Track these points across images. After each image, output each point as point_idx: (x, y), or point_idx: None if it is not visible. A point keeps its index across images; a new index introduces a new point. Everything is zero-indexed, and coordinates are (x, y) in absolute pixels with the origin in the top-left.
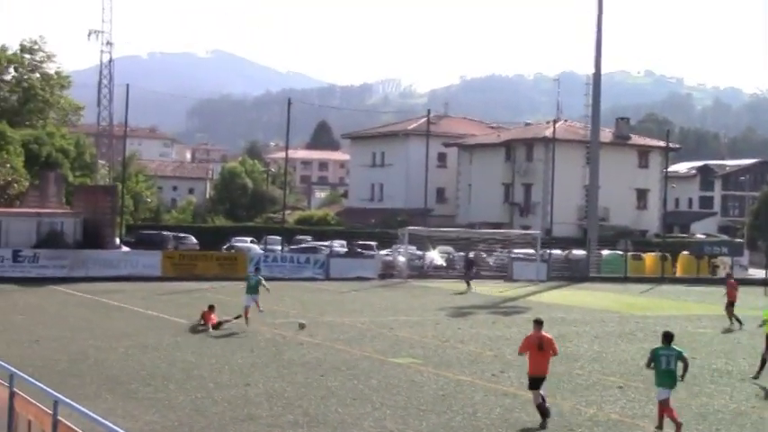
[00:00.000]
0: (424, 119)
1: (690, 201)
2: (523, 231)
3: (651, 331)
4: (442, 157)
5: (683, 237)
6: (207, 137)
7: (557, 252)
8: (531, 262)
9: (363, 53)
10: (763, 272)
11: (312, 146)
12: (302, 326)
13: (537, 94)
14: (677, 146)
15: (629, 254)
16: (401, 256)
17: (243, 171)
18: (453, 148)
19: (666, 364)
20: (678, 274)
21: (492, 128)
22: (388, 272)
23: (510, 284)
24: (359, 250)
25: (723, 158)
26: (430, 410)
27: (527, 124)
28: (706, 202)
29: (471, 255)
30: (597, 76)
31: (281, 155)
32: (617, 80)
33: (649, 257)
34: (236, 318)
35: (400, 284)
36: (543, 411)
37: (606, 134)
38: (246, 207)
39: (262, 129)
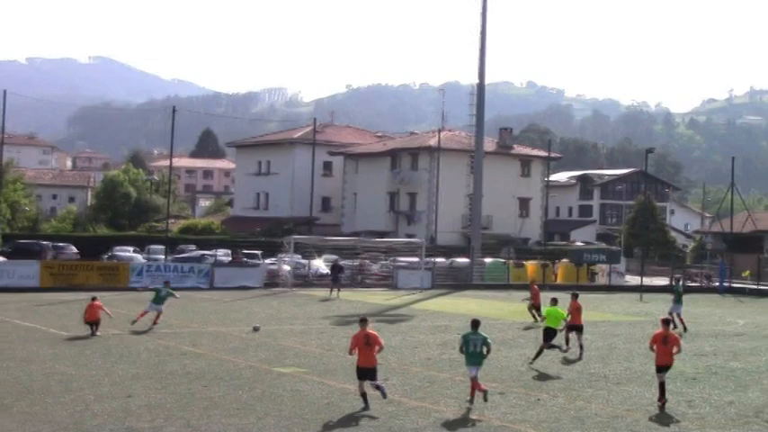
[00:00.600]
0: (310, 127)
1: (570, 209)
2: (408, 240)
3: (532, 338)
4: (327, 166)
5: (564, 244)
6: (88, 145)
7: (441, 260)
8: (415, 270)
9: (249, 61)
10: (639, 278)
11: (197, 154)
12: (257, 329)
13: (422, 103)
14: (558, 155)
15: (512, 261)
16: (286, 265)
17: (126, 179)
18: (339, 157)
19: (474, 347)
20: (558, 281)
21: (377, 137)
22: (272, 281)
23: (395, 292)
24: (244, 259)
25: (601, 168)
26: (314, 419)
27: (412, 133)
28: (585, 210)
29: (340, 262)
30: (481, 86)
31: (165, 163)
32: (500, 91)
33: (531, 265)
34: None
35: (285, 293)
36: (366, 400)
37: (490, 144)
38: (129, 216)
39: (145, 137)
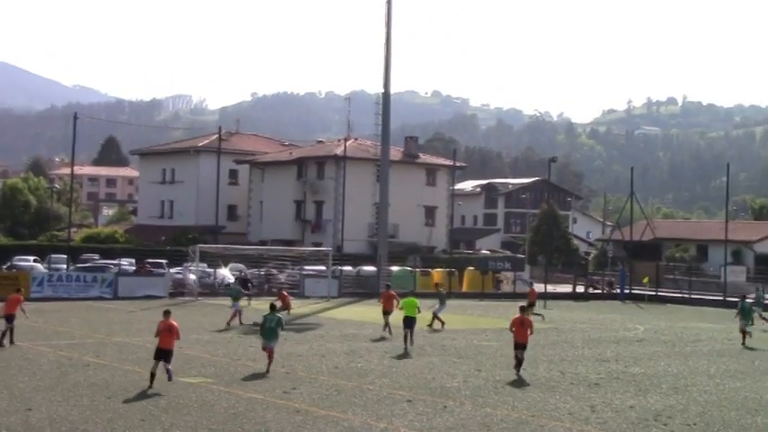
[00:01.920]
0: (216, 135)
1: (475, 218)
2: (315, 248)
3: (439, 345)
4: (233, 175)
5: (469, 252)
6: None
7: (348, 268)
8: (322, 278)
9: (153, 68)
10: (543, 285)
11: (99, 162)
12: (257, 324)
13: (328, 112)
14: (463, 164)
15: (418, 270)
16: (192, 274)
17: (26, 187)
18: (245, 166)
19: (269, 323)
20: (464, 289)
21: (284, 145)
22: (178, 290)
23: (302, 301)
24: (149, 269)
25: (506, 177)
26: (221, 430)
27: (318, 142)
28: (490, 218)
29: (244, 274)
30: (386, 95)
31: (67, 171)
32: (405, 99)
33: (437, 273)
34: None
35: (191, 303)
36: (153, 378)
37: (396, 152)
38: (30, 225)
39: (46, 144)
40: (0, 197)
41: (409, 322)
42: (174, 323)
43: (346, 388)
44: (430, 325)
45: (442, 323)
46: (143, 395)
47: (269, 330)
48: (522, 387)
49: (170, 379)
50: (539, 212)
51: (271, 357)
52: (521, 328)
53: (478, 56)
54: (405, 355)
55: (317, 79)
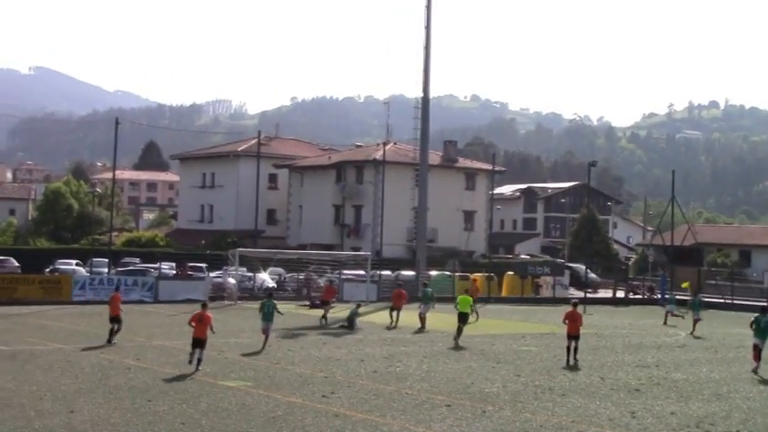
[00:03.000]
0: (255, 140)
1: (514, 222)
2: (354, 253)
3: (478, 350)
4: (272, 179)
5: (508, 257)
6: (29, 156)
7: (386, 273)
8: (361, 283)
9: (193, 73)
10: (582, 291)
11: (140, 166)
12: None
13: (367, 116)
14: (502, 169)
15: (457, 274)
16: (231, 277)
17: (68, 191)
18: (284, 170)
19: (267, 309)
20: (503, 294)
21: (323, 150)
22: (218, 294)
23: (341, 305)
24: (189, 272)
25: (545, 181)
26: None
27: (357, 146)
28: (529, 223)
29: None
30: (425, 99)
31: (108, 175)
32: (445, 104)
33: (476, 277)
34: None
35: (231, 307)
36: (191, 359)
37: (434, 157)
38: (71, 229)
39: (88, 149)
40: (43, 201)
41: (463, 317)
42: (208, 314)
43: (385, 392)
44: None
45: (422, 324)
46: (183, 399)
47: (267, 314)
48: (561, 393)
49: (198, 368)
50: (578, 217)
51: (267, 337)
52: (573, 323)
53: (517, 60)
54: (456, 347)
55: (356, 83)
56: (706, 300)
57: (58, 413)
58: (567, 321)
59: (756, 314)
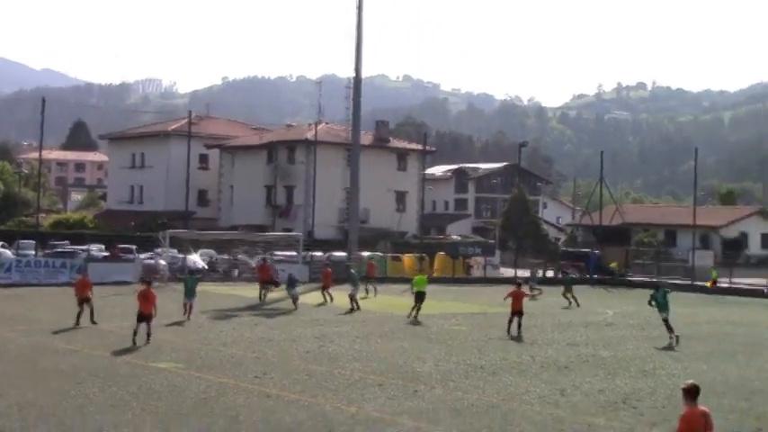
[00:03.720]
0: (186, 120)
1: (446, 203)
2: (285, 234)
3: (410, 331)
4: (203, 159)
5: (440, 238)
6: None
7: (318, 254)
8: (293, 264)
9: (122, 51)
10: (513, 271)
11: (68, 146)
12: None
13: (299, 96)
14: (433, 149)
15: (389, 255)
16: (162, 259)
17: None
18: (215, 150)
19: (190, 284)
20: (435, 275)
21: (254, 129)
22: (148, 276)
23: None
24: (119, 254)
25: (476, 162)
26: (191, 415)
27: (289, 126)
28: (461, 203)
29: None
30: (357, 79)
31: (35, 155)
32: (377, 84)
33: (408, 258)
34: None
35: (162, 288)
36: (135, 335)
37: (366, 137)
38: None
39: (14, 128)
40: None
41: (420, 296)
42: (152, 291)
43: (317, 372)
44: (352, 309)
45: (355, 305)
46: (113, 381)
47: (189, 290)
48: (492, 371)
49: (148, 341)
50: (509, 197)
51: (191, 311)
52: (517, 299)
53: (449, 40)
54: (415, 323)
55: (288, 63)
56: (631, 279)
57: None
58: (510, 298)
59: (652, 291)
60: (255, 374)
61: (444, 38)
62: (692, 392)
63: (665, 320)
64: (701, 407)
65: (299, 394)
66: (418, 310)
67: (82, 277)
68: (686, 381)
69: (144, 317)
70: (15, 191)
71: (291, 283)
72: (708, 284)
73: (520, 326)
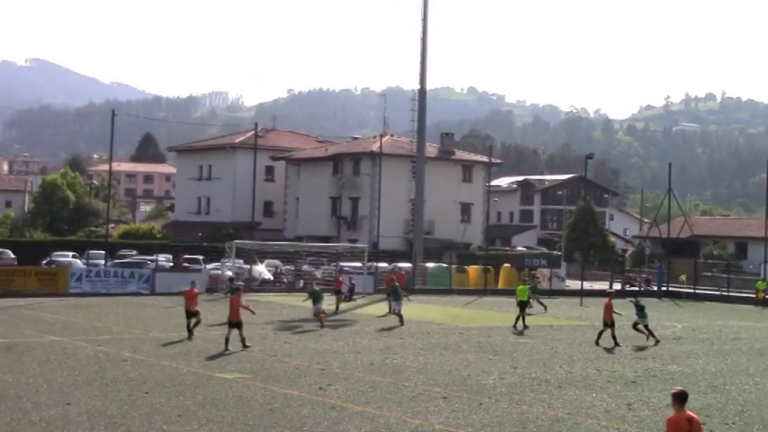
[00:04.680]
0: (252, 132)
1: (511, 214)
2: (350, 245)
3: (475, 342)
4: (269, 171)
5: (505, 249)
6: (26, 148)
7: (383, 265)
8: (358, 275)
9: (190, 65)
10: (579, 283)
11: (137, 158)
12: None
13: (364, 108)
14: (499, 161)
15: (454, 266)
16: (228, 270)
17: (64, 183)
18: (281, 162)
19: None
20: (500, 286)
21: (320, 142)
22: (215, 286)
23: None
24: (185, 264)
25: (542, 174)
26: (257, 425)
27: (354, 138)
28: (526, 215)
29: (352, 280)
30: (422, 91)
31: (105, 167)
32: (441, 96)
33: (473, 270)
34: None
35: (228, 299)
36: (227, 342)
37: (431, 149)
38: (68, 221)
39: (85, 140)
40: (39, 193)
41: (523, 305)
42: (238, 298)
43: (381, 384)
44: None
45: (401, 319)
46: (180, 391)
47: (318, 296)
48: (557, 385)
49: (244, 347)
50: (575, 209)
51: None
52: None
53: (515, 52)
54: (519, 332)
55: (353, 76)
56: (700, 292)
57: (55, 405)
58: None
59: (632, 300)
60: (320, 386)
61: (510, 50)
62: (680, 398)
63: (646, 327)
64: (689, 412)
65: (363, 406)
66: (521, 319)
67: (189, 289)
68: (675, 387)
69: (233, 324)
70: (86, 202)
71: (316, 297)
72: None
73: (614, 337)
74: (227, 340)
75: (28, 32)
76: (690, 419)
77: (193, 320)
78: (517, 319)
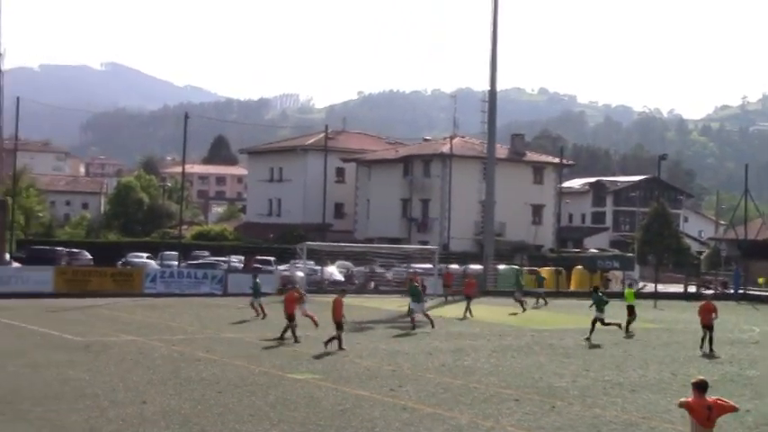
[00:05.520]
0: (323, 134)
1: (583, 216)
2: (421, 246)
3: (547, 344)
4: (340, 173)
5: (577, 251)
6: (101, 151)
7: (454, 267)
8: (428, 277)
9: (261, 68)
10: (653, 285)
11: (209, 160)
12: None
13: (434, 110)
14: (571, 162)
15: (525, 268)
16: (299, 271)
17: (138, 185)
18: (351, 164)
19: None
20: (572, 288)
21: (390, 143)
22: (286, 287)
23: (408, 299)
24: (257, 265)
25: (614, 175)
26: (329, 426)
27: (425, 140)
28: (598, 217)
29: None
30: (492, 93)
31: (178, 169)
32: (512, 97)
33: (545, 272)
34: None
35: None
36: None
37: (502, 150)
38: (142, 222)
39: (158, 143)
40: (114, 195)
41: (631, 309)
42: (341, 300)
43: (453, 386)
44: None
45: (413, 324)
46: (252, 391)
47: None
48: (631, 388)
49: (340, 347)
50: (649, 211)
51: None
52: (706, 313)
53: (586, 52)
54: (630, 337)
55: (424, 77)
56: None
57: (131, 403)
58: (700, 313)
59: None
60: (391, 387)
61: (581, 50)
62: (700, 387)
63: (598, 320)
64: (709, 399)
65: (434, 407)
66: (628, 323)
67: (290, 292)
68: (696, 377)
69: (339, 324)
70: (160, 204)
71: (417, 295)
72: None
73: (711, 341)
74: (339, 341)
75: (103, 37)
76: (710, 407)
77: (292, 324)
78: (628, 324)
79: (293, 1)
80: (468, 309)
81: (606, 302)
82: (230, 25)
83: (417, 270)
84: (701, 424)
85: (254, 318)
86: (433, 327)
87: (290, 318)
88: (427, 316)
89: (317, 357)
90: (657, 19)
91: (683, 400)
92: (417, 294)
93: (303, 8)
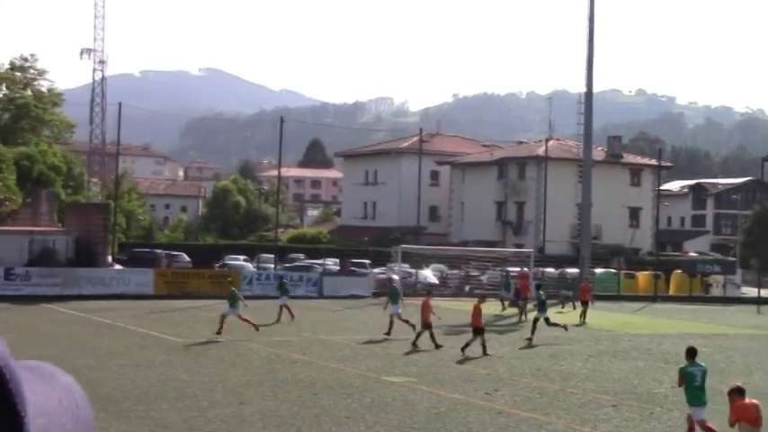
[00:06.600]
0: (417, 137)
1: (682, 219)
2: (516, 250)
3: (645, 350)
4: (434, 176)
5: (676, 255)
6: (200, 155)
7: (550, 270)
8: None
9: (356, 71)
10: (756, 290)
11: (305, 164)
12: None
13: (529, 112)
14: (669, 164)
15: (623, 272)
16: (394, 274)
17: (235, 189)
18: (446, 167)
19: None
20: (671, 293)
21: (485, 146)
22: (381, 290)
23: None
24: (352, 268)
25: (715, 177)
26: (424, 429)
27: (519, 143)
28: (698, 220)
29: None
30: (589, 94)
31: (274, 173)
32: (609, 99)
33: (642, 276)
34: None
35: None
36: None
37: (598, 152)
38: (239, 225)
39: (255, 147)
40: (212, 198)
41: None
42: (480, 305)
43: (549, 391)
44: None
45: (390, 329)
46: (347, 393)
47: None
48: None
49: (484, 353)
50: (751, 214)
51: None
52: None
53: (685, 52)
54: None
55: (518, 79)
56: None
57: (229, 404)
58: None
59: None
60: (486, 391)
61: (679, 50)
62: (737, 391)
63: (538, 320)
64: (752, 400)
65: (530, 412)
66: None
67: (426, 299)
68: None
69: (478, 330)
70: (256, 207)
71: (542, 305)
72: None
73: None
74: (484, 347)
75: (201, 44)
76: (756, 406)
77: (428, 332)
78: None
79: (389, 4)
80: (584, 314)
81: (545, 302)
82: (326, 29)
83: (511, 272)
84: (753, 424)
85: (288, 320)
86: (416, 331)
87: (427, 325)
88: (407, 321)
89: (413, 360)
90: (759, 16)
91: (731, 419)
92: (395, 296)
93: (399, 12)
